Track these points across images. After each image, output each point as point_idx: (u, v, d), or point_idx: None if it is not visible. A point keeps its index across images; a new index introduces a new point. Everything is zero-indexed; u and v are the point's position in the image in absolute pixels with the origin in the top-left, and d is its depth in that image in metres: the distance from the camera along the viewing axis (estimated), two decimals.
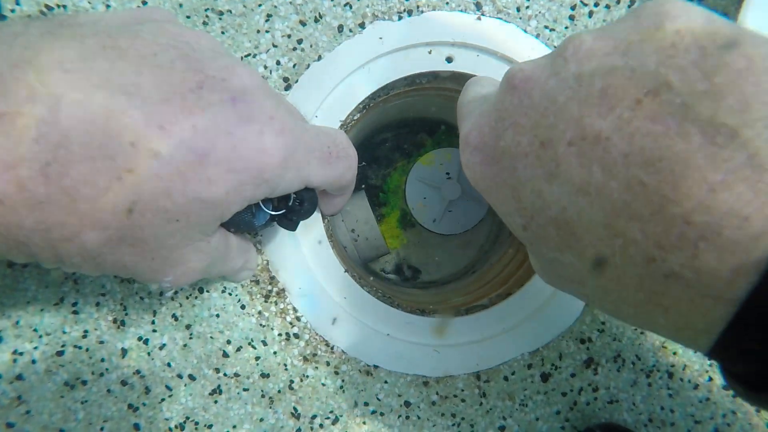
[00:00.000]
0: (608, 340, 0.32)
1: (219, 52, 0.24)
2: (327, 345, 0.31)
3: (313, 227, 0.32)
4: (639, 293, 0.16)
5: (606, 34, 0.18)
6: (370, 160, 0.46)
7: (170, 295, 0.28)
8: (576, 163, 0.17)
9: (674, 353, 0.31)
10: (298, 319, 0.31)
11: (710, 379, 0.31)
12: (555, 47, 0.31)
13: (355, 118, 0.34)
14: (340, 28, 0.31)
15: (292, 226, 0.28)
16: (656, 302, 0.16)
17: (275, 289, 0.31)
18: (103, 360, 0.28)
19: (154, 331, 0.29)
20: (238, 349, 0.30)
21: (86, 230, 0.20)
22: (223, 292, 0.30)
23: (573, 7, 0.31)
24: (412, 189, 0.44)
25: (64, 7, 0.29)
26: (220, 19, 0.30)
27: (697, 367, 0.31)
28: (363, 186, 0.45)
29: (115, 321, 0.29)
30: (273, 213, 0.26)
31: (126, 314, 0.29)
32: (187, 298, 0.30)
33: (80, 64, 0.20)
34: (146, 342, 0.29)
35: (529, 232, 0.19)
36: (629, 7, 0.31)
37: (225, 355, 0.30)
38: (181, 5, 0.30)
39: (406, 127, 0.44)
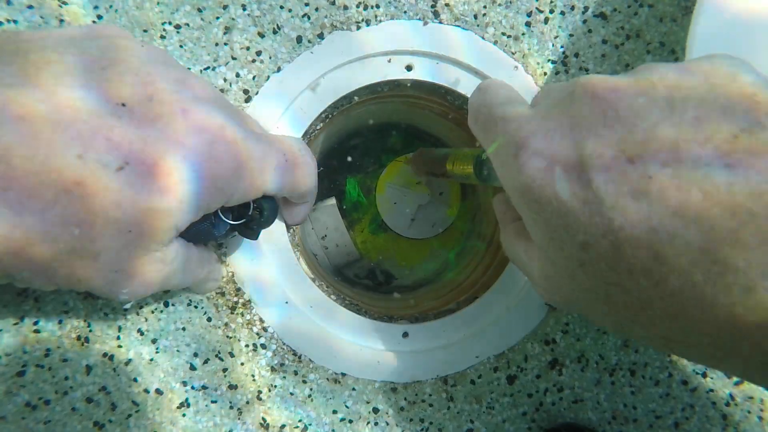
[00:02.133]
0: (572, 341, 0.33)
1: (171, 65, 0.24)
2: (294, 354, 0.32)
3: (277, 237, 0.32)
4: (726, 322, 0.16)
5: (685, 71, 0.19)
6: (341, 166, 0.46)
7: (128, 307, 0.29)
8: (672, 185, 0.17)
9: (636, 351, 0.32)
10: (264, 329, 0.32)
11: (670, 375, 0.32)
12: (512, 53, 0.32)
13: (318, 127, 0.34)
14: (299, 39, 0.32)
15: (253, 235, 0.29)
16: (746, 332, 0.16)
17: (241, 301, 0.32)
18: (66, 378, 0.28)
19: (120, 346, 0.29)
20: (206, 362, 0.31)
21: (34, 244, 0.20)
22: (188, 305, 0.31)
23: (529, 14, 0.32)
24: (382, 194, 0.45)
25: (15, 22, 0.29)
26: (178, 32, 0.30)
27: (658, 364, 0.32)
28: (333, 194, 0.45)
29: (78, 338, 0.29)
30: (232, 222, 0.27)
31: (90, 331, 0.29)
32: (153, 312, 0.30)
33: (22, 79, 0.20)
34: (111, 358, 0.29)
35: (590, 252, 0.19)
36: (583, 14, 0.32)
37: (192, 368, 0.30)
38: (137, 19, 0.30)
39: (375, 133, 0.45)
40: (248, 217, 0.27)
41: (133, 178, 0.21)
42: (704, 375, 0.32)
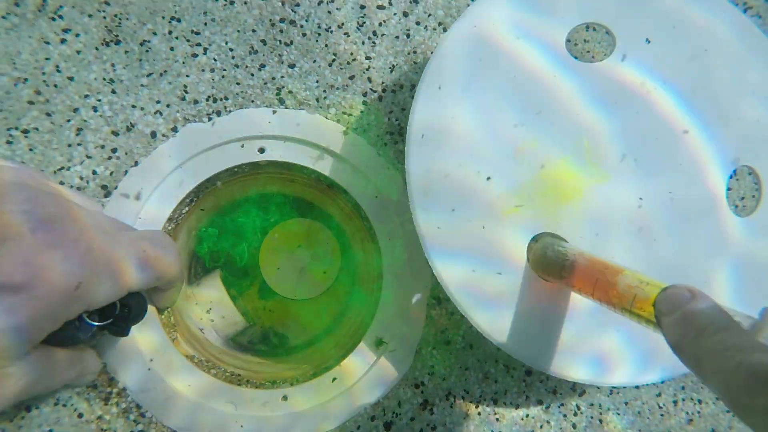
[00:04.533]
0: (438, 381, 0.36)
1: (22, 184, 0.25)
2: None
3: (149, 322, 0.33)
4: None
5: None
6: (222, 239, 0.47)
7: None
8: None
9: (495, 381, 0.36)
10: (142, 415, 0.32)
11: (527, 397, 0.36)
12: (354, 129, 0.36)
13: (185, 211, 0.36)
14: (153, 134, 0.34)
15: (123, 333, 0.29)
16: None
17: (115, 390, 0.32)
18: None
19: None
20: None
21: None
22: (56, 404, 0.31)
23: (365, 94, 0.37)
24: (265, 260, 0.47)
25: None
26: (26, 137, 0.32)
27: (516, 389, 0.36)
28: (217, 266, 0.47)
29: None
30: (99, 324, 0.27)
31: None
32: (11, 420, 0.29)
33: None
34: None
35: None
36: (410, 90, 0.37)
37: None
38: None
39: (252, 204, 0.47)
40: (116, 316, 0.28)
41: None
42: (554, 392, 0.36)
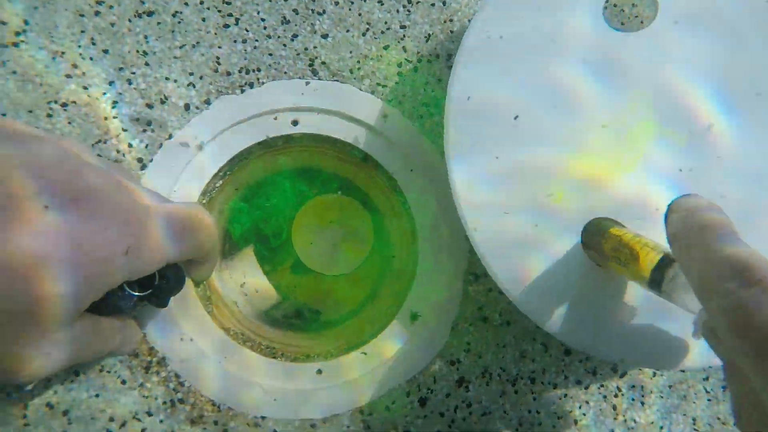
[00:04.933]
0: (475, 359, 0.35)
1: (65, 156, 0.26)
2: (213, 405, 0.33)
3: (185, 294, 0.33)
4: None
5: None
6: (255, 214, 0.48)
7: (30, 388, 0.29)
8: None
9: (533, 361, 0.35)
10: (181, 384, 0.33)
11: (566, 377, 0.35)
12: (389, 101, 0.35)
13: (218, 184, 0.36)
14: (187, 106, 0.33)
15: (162, 303, 0.30)
16: None
17: (155, 359, 0.33)
18: None
19: (27, 425, 0.30)
20: (122, 425, 0.31)
21: None
22: (101, 371, 0.31)
23: (399, 65, 0.35)
24: (298, 235, 0.47)
25: None
26: (65, 110, 0.32)
27: (554, 369, 0.35)
28: (250, 240, 0.47)
29: None
30: (139, 294, 0.28)
31: None
32: (62, 383, 0.30)
33: None
34: None
35: None
36: (447, 60, 0.36)
37: None
38: (20, 101, 0.31)
39: (286, 178, 0.47)
40: (155, 286, 0.28)
41: (22, 270, 0.22)
42: (594, 373, 0.35)
